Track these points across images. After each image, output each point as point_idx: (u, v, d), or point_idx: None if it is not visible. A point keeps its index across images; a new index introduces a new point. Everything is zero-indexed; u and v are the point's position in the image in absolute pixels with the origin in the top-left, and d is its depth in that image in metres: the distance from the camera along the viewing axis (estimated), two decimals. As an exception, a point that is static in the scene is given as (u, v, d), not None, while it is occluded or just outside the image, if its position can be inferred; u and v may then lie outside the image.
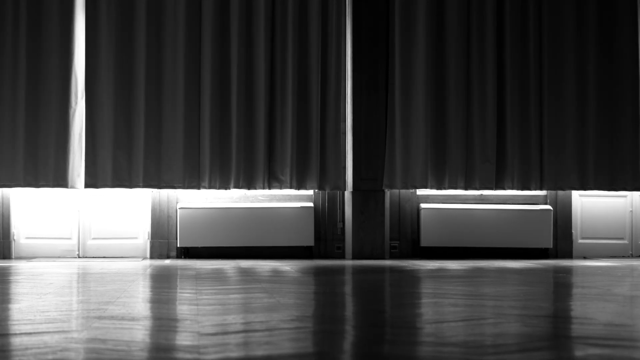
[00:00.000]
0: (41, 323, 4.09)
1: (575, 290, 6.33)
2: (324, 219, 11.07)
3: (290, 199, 11.08)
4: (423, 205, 11.11)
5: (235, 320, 4.23)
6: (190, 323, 4.04)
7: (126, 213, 10.90)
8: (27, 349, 3.29)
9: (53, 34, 10.45)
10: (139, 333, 3.78)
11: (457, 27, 10.96)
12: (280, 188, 10.75)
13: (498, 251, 11.15)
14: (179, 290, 6.16)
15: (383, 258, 10.69)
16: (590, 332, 3.80)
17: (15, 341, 3.51)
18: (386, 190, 10.87)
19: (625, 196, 11.56)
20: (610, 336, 3.70)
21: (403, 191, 11.13)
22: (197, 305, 4.90)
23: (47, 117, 10.37)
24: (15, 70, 10.41)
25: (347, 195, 10.94)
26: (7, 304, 5.07)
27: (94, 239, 10.79)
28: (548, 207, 11.22)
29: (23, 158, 10.31)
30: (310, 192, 11.04)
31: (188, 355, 3.13)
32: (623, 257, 11.45)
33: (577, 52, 11.13)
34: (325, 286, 6.77)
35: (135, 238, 10.91)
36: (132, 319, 4.21)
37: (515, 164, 10.95)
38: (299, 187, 10.73)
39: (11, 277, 7.40)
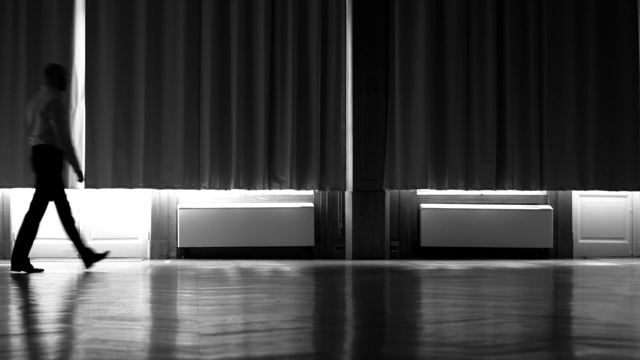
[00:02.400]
0: (41, 323, 4.09)
1: (575, 291, 6.33)
2: (324, 219, 11.08)
3: (291, 199, 11.08)
4: (423, 206, 11.11)
5: (235, 320, 4.23)
6: (191, 323, 4.04)
7: (126, 213, 10.90)
8: (27, 349, 3.29)
9: (53, 34, 10.45)
10: (139, 333, 3.78)
11: (457, 27, 10.96)
12: (281, 188, 10.76)
13: (498, 251, 11.15)
14: (179, 291, 6.16)
15: (383, 258, 10.69)
16: (590, 332, 3.80)
17: (16, 342, 3.51)
18: (386, 190, 10.87)
19: (625, 196, 11.56)
20: (611, 336, 3.70)
21: (403, 191, 11.13)
22: (197, 305, 4.90)
23: (47, 117, 10.36)
24: (15, 70, 10.42)
25: (347, 195, 10.94)
26: (7, 304, 5.06)
27: (94, 239, 10.79)
28: (548, 207, 11.22)
29: (23, 159, 10.31)
30: (311, 192, 11.05)
31: (188, 356, 3.13)
32: (623, 257, 11.45)
33: (577, 52, 11.13)
34: (326, 286, 6.77)
35: (136, 238, 10.91)
36: (133, 320, 4.21)
37: (515, 164, 10.96)
38: (299, 188, 10.74)
39: (11, 278, 7.40)
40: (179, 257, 10.81)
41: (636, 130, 11.16)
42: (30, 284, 6.62)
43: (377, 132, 10.87)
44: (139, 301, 5.32)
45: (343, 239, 11.08)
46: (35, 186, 8.16)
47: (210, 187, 10.64)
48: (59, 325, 4.03)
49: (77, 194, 10.76)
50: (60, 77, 8.23)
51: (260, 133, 10.67)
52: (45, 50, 10.44)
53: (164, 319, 4.35)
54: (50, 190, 8.08)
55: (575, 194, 11.46)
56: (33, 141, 8.11)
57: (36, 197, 8.11)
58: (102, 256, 8.36)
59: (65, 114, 8.24)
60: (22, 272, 8.01)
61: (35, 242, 10.85)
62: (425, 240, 11.03)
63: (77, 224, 8.35)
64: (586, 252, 11.45)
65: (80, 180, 8.42)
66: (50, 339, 3.53)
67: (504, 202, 11.35)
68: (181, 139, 10.57)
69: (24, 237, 8.05)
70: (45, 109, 8.00)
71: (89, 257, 8.33)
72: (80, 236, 8.29)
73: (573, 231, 11.42)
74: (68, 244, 8.46)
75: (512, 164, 10.97)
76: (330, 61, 10.84)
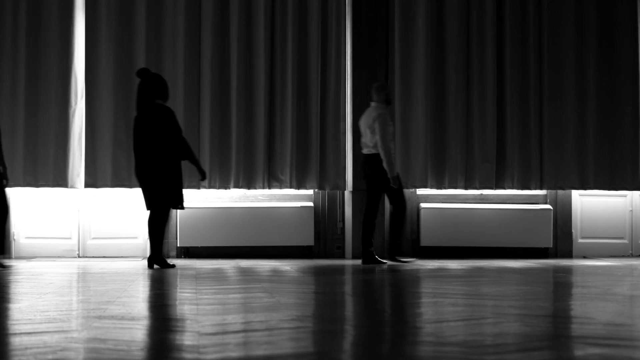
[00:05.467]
0: (41, 323, 4.09)
1: (575, 290, 6.33)
2: (324, 218, 11.07)
3: (290, 198, 11.07)
4: (423, 205, 11.10)
5: (235, 320, 4.23)
6: (190, 323, 4.04)
7: (126, 213, 10.90)
8: (27, 348, 3.29)
9: (53, 33, 10.45)
10: (139, 333, 3.78)
11: (457, 27, 10.97)
12: (280, 188, 10.75)
13: (498, 251, 11.15)
14: (179, 290, 6.16)
15: (383, 258, 10.68)
16: (590, 332, 3.80)
17: (15, 341, 3.51)
18: (386, 189, 10.86)
19: (625, 196, 11.56)
20: (611, 336, 3.70)
21: (403, 191, 11.12)
22: (197, 305, 4.90)
23: (47, 116, 10.38)
24: (15, 70, 10.41)
25: (347, 194, 10.94)
26: (7, 304, 5.06)
27: (93, 238, 10.79)
28: (548, 206, 11.21)
29: (23, 158, 10.31)
30: (310, 191, 11.04)
31: (188, 355, 3.13)
32: (623, 256, 11.45)
33: (577, 52, 11.14)
34: (325, 286, 6.77)
35: (135, 238, 10.91)
36: (132, 319, 4.21)
37: (515, 163, 10.96)
38: (298, 187, 10.74)
39: (11, 277, 7.40)
40: (178, 256, 10.81)
41: (636, 130, 11.16)
42: (30, 284, 6.62)
43: (377, 132, 10.85)
44: (138, 300, 5.32)
45: (343, 239, 11.07)
46: (367, 190, 9.37)
47: (210, 187, 10.64)
48: (58, 324, 4.03)
49: (77, 193, 10.76)
50: (387, 95, 9.39)
51: (260, 133, 10.67)
52: (45, 50, 10.43)
53: (163, 319, 4.35)
54: (380, 193, 9.31)
55: (575, 194, 11.46)
56: (365, 150, 9.32)
57: (369, 201, 9.31)
58: (377, 261, 9.35)
59: (389, 126, 9.21)
60: (390, 262, 9.39)
61: (35, 241, 10.87)
62: (425, 240, 11.02)
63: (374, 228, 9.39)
64: (586, 251, 11.45)
65: (395, 184, 9.19)
66: (50, 339, 3.53)
67: (504, 201, 11.35)
68: (181, 139, 10.55)
69: (366, 233, 9.31)
70: (373, 121, 9.16)
71: (369, 258, 9.31)
72: (368, 238, 9.30)
73: (573, 230, 11.42)
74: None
75: (512, 163, 10.97)
76: (330, 61, 10.84)
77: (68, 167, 10.36)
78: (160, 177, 8.48)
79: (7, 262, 9.30)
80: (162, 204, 8.57)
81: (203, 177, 8.93)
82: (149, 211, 8.68)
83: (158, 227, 8.61)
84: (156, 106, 8.58)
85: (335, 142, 10.82)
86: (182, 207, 8.78)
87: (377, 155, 9.19)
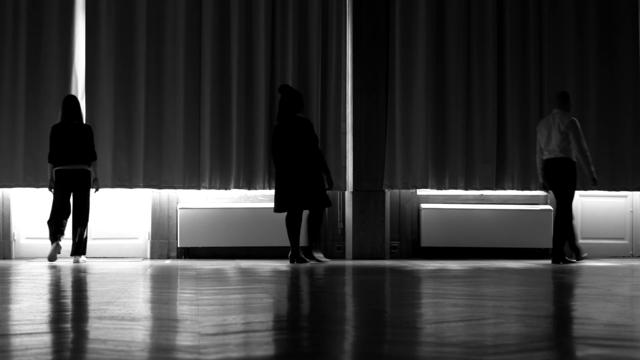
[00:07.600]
0: (41, 323, 4.09)
1: (575, 291, 6.33)
2: (324, 219, 11.07)
3: (291, 199, 11.06)
4: (423, 206, 11.11)
5: (235, 320, 4.23)
6: (191, 323, 4.04)
7: (126, 213, 10.90)
8: (27, 349, 3.28)
9: (53, 34, 10.46)
10: (140, 333, 3.78)
11: (457, 27, 10.97)
12: (281, 188, 10.74)
13: (498, 251, 11.15)
14: (179, 291, 6.16)
15: (383, 258, 10.69)
16: (590, 333, 3.80)
17: (16, 341, 3.51)
18: (386, 190, 10.87)
19: (625, 196, 11.57)
20: (611, 336, 3.69)
21: (403, 191, 11.13)
22: (197, 305, 4.89)
23: (47, 117, 10.38)
24: (16, 70, 10.42)
25: (348, 195, 10.94)
26: (7, 304, 5.06)
27: (94, 239, 10.79)
28: (548, 207, 11.21)
29: (23, 158, 10.32)
30: (311, 192, 11.03)
31: (188, 356, 3.13)
32: (624, 257, 11.44)
33: (578, 52, 11.14)
34: (326, 286, 6.77)
35: (136, 238, 10.91)
36: (133, 319, 4.21)
37: (515, 164, 10.96)
38: (299, 187, 10.73)
39: (11, 277, 7.40)
40: (179, 257, 10.81)
41: (636, 130, 11.16)
42: (31, 284, 6.62)
43: (377, 132, 10.87)
44: (139, 301, 5.32)
45: (343, 239, 11.07)
46: (556, 193, 9.81)
47: (210, 187, 10.64)
48: (58, 325, 4.02)
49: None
50: (569, 103, 9.88)
51: (260, 133, 10.67)
52: (45, 50, 10.44)
53: (164, 319, 4.35)
54: (572, 194, 9.73)
55: (576, 194, 11.45)
56: (552, 155, 9.72)
57: (560, 202, 9.76)
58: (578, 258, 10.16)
59: (580, 130, 9.69)
60: (576, 260, 9.93)
61: (35, 242, 10.86)
62: (426, 240, 11.02)
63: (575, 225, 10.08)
64: (586, 252, 11.44)
65: (595, 184, 9.92)
66: (50, 339, 3.53)
67: (504, 202, 11.35)
68: (181, 139, 10.57)
69: (559, 234, 9.75)
70: (566, 128, 9.63)
71: (559, 257, 9.75)
72: (562, 239, 9.76)
73: (573, 231, 11.41)
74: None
75: (512, 164, 10.97)
76: (330, 61, 10.85)
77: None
78: (313, 180, 9.40)
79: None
80: (320, 204, 9.49)
81: (330, 187, 9.82)
82: (284, 212, 9.69)
83: (297, 228, 9.56)
84: (297, 119, 9.60)
85: (335, 142, 10.82)
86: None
87: (565, 159, 9.61)
